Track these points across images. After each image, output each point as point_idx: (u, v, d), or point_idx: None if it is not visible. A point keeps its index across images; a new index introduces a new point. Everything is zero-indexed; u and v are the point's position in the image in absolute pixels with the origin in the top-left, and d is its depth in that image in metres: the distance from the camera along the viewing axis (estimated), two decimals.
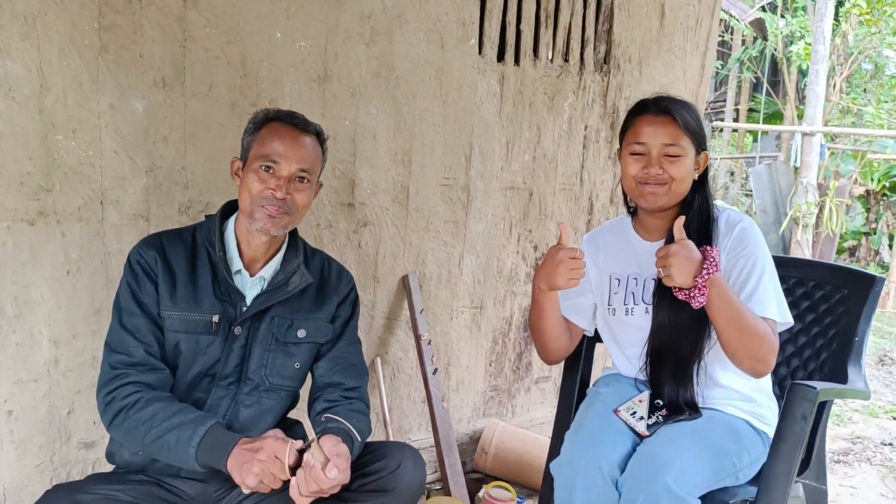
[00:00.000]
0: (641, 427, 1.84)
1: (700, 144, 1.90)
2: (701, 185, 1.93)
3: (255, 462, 1.56)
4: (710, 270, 1.74)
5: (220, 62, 2.18)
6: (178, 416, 1.64)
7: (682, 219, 1.80)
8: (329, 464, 1.57)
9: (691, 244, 1.77)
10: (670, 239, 1.87)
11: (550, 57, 2.97)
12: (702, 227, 1.89)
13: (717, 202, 2.06)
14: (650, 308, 1.91)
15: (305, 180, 1.77)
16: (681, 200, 1.91)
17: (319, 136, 1.84)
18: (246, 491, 1.60)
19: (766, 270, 1.84)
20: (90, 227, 2.05)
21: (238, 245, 1.81)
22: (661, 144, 1.85)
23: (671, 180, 1.85)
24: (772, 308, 1.82)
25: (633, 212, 2.07)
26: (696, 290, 1.75)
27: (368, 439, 1.83)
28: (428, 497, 2.48)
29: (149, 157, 2.11)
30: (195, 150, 2.18)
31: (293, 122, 1.79)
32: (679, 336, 1.86)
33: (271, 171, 1.73)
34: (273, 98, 2.29)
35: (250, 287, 1.81)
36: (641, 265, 1.97)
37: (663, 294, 1.85)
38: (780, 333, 1.85)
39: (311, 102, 2.37)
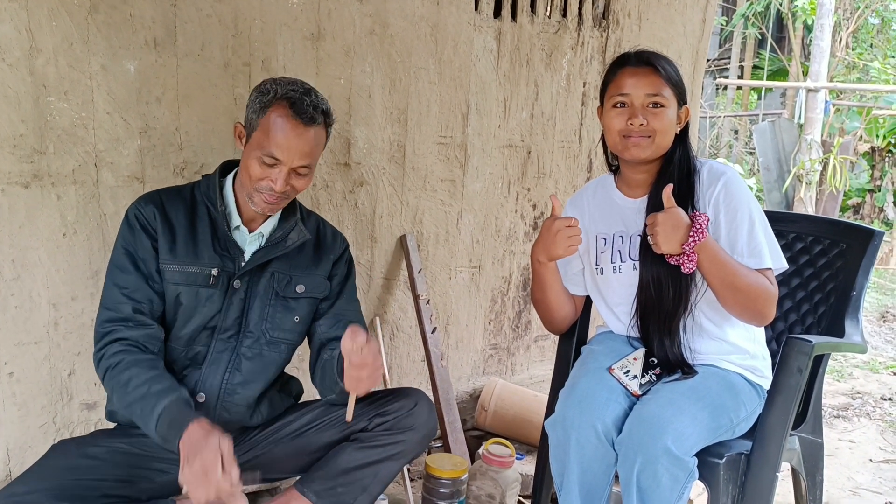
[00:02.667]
0: (634, 386, 1.85)
1: (681, 98, 1.90)
2: (682, 139, 1.93)
3: (185, 469, 1.53)
4: (697, 238, 1.75)
5: (211, 21, 2.16)
6: (146, 386, 1.64)
7: (670, 186, 1.80)
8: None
9: (679, 212, 1.77)
10: (654, 194, 1.89)
11: (548, 12, 2.92)
12: (683, 180, 1.89)
13: (720, 160, 2.06)
14: (637, 264, 1.92)
15: (307, 169, 1.78)
16: (663, 154, 1.91)
17: (327, 118, 1.79)
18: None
19: (756, 220, 1.85)
20: (85, 190, 2.04)
21: (237, 202, 1.83)
22: (644, 95, 1.85)
23: (654, 132, 1.85)
24: (766, 258, 1.83)
25: (614, 169, 2.07)
26: (685, 257, 1.77)
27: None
28: (428, 454, 2.51)
29: (142, 119, 2.09)
30: (189, 110, 2.16)
31: (300, 115, 1.71)
32: (664, 289, 1.86)
33: (272, 164, 1.73)
34: (266, 57, 2.27)
35: (249, 243, 1.84)
36: (626, 222, 1.98)
37: (649, 249, 1.85)
38: (778, 286, 1.86)
39: (304, 61, 2.35)
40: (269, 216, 1.86)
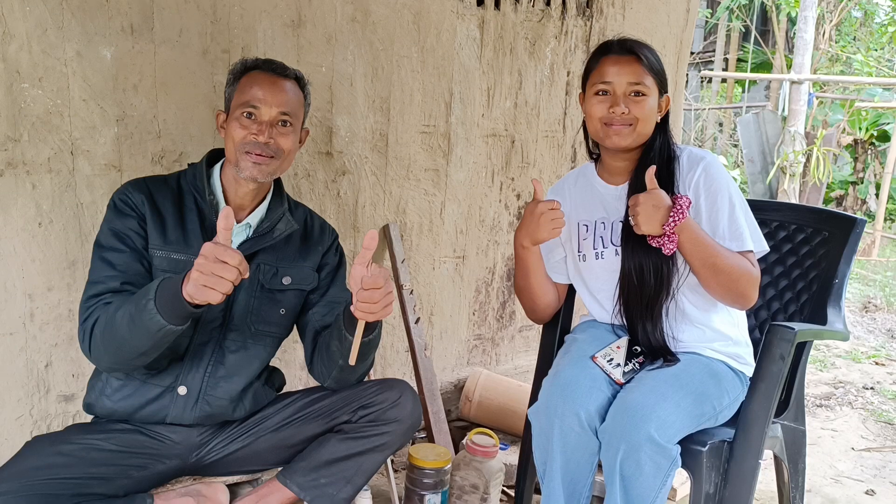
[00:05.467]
0: (617, 374, 1.85)
1: (662, 86, 1.92)
2: (663, 127, 1.95)
3: (193, 272, 1.47)
4: (676, 219, 1.76)
5: (189, 7, 2.12)
6: (132, 300, 1.57)
7: (653, 168, 1.81)
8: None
9: (661, 194, 1.79)
10: (634, 181, 1.91)
11: (532, 1, 2.91)
12: (663, 167, 1.90)
13: (706, 149, 2.07)
14: (619, 250, 1.92)
15: (288, 124, 1.77)
16: (644, 142, 1.92)
17: (300, 81, 1.84)
18: (215, 302, 1.49)
19: (736, 203, 1.86)
20: (61, 179, 2.01)
21: (224, 192, 1.81)
22: (627, 83, 1.86)
23: (636, 120, 1.86)
24: (747, 240, 1.84)
25: (595, 157, 2.08)
26: (665, 238, 1.78)
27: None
28: (412, 445, 2.49)
29: (119, 106, 2.06)
30: (166, 98, 2.13)
31: (271, 68, 1.80)
32: (646, 273, 1.87)
33: (252, 116, 1.74)
34: (246, 44, 2.24)
35: (236, 234, 1.81)
36: (608, 209, 1.99)
37: (630, 234, 1.87)
38: (761, 274, 1.87)
39: (285, 49, 2.32)
40: (258, 206, 1.82)
